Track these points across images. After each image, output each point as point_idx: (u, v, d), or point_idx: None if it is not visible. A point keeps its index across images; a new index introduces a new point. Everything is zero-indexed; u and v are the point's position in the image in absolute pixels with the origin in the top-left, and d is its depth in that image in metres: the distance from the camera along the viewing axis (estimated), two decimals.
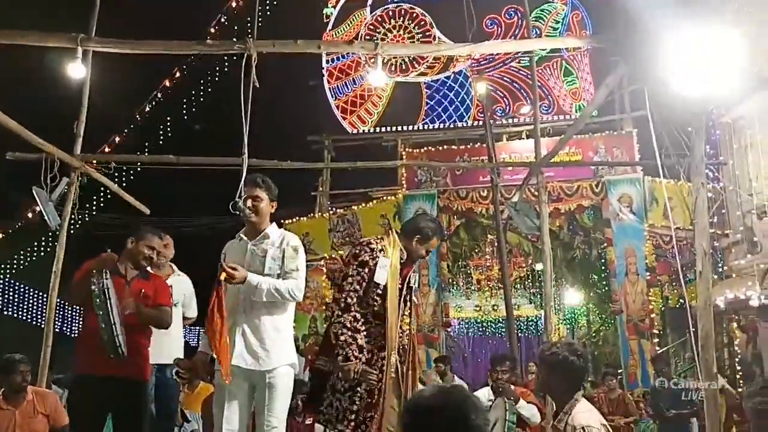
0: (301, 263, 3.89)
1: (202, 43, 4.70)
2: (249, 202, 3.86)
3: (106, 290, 3.74)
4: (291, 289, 3.77)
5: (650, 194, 10.52)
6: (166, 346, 4.76)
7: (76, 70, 4.61)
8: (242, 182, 3.89)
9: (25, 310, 16.78)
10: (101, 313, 3.72)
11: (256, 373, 3.72)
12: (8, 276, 15.80)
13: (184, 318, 5.25)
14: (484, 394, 5.55)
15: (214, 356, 3.90)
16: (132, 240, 4.26)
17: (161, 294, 4.35)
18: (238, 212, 3.77)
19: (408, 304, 4.04)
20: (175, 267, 5.34)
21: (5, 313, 16.36)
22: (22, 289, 16.75)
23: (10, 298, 16.50)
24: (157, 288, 4.36)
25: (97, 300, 3.74)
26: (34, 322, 16.45)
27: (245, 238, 3.93)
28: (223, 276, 3.58)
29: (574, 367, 3.19)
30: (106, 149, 10.09)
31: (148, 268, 4.59)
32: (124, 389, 4.04)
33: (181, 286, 5.24)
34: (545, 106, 12.28)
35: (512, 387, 5.41)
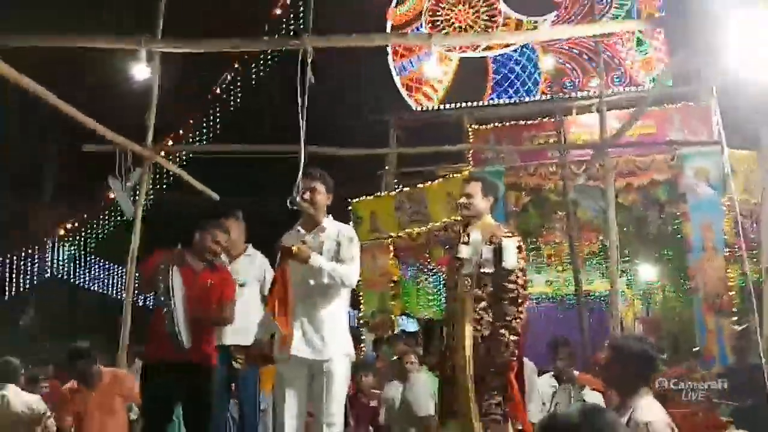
0: (356, 252, 3.99)
1: (258, 40, 4.78)
2: (306, 195, 3.95)
3: (170, 287, 3.92)
4: (346, 274, 3.87)
5: (729, 166, 10.06)
6: (250, 327, 4.94)
7: (141, 72, 4.78)
8: (299, 176, 3.97)
9: (109, 286, 17.63)
10: (165, 307, 3.91)
11: (314, 362, 3.84)
12: (91, 254, 16.63)
13: (263, 296, 5.34)
14: (547, 380, 5.52)
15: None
16: (198, 234, 4.45)
17: (226, 288, 4.53)
18: (295, 206, 3.87)
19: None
20: (249, 246, 5.50)
21: (92, 288, 17.26)
22: (106, 266, 17.57)
23: (95, 273, 17.36)
24: (223, 280, 4.55)
25: (162, 294, 3.93)
26: (119, 297, 17.25)
27: (302, 230, 4.04)
28: (295, 249, 3.65)
29: (639, 359, 3.15)
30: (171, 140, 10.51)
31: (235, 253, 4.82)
32: (190, 375, 4.25)
33: (254, 262, 5.39)
34: (617, 77, 11.87)
35: (576, 373, 5.37)
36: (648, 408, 3.05)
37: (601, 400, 5.22)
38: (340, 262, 3.90)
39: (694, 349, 9.95)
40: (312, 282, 3.84)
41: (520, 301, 3.86)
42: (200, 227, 4.54)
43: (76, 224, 14.31)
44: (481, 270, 3.91)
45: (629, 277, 13.89)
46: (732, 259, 10.04)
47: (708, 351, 9.89)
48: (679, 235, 10.61)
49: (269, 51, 12.01)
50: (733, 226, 10.07)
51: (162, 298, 3.99)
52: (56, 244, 15.29)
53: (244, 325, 4.84)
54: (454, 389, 3.87)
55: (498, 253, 3.90)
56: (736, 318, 9.94)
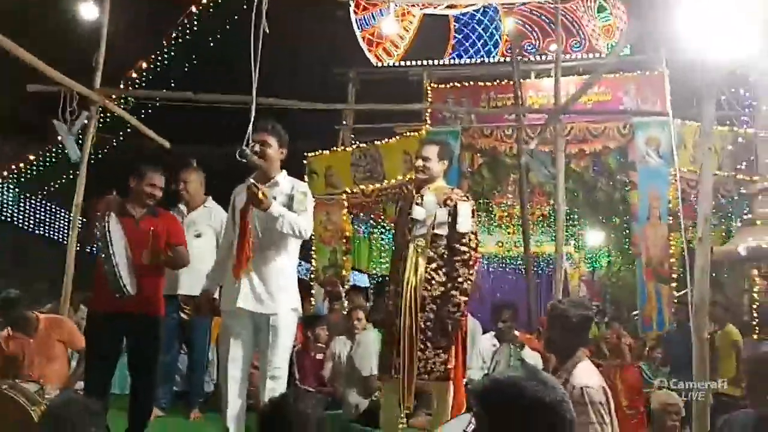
0: (310, 205, 4.00)
1: None
2: (257, 148, 3.90)
3: (107, 233, 3.85)
4: (304, 227, 3.87)
5: (679, 138, 10.27)
6: (200, 278, 4.92)
7: (90, 11, 4.61)
8: (250, 128, 3.91)
9: (56, 230, 17.25)
10: (103, 255, 3.84)
11: (261, 315, 3.86)
12: (40, 197, 16.22)
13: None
14: (489, 339, 5.66)
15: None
16: (133, 179, 4.34)
17: (174, 233, 4.46)
18: (245, 159, 3.81)
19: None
20: (208, 198, 5.47)
21: (37, 232, 16.86)
22: (54, 210, 17.17)
23: (43, 217, 16.95)
24: (168, 226, 4.47)
25: (99, 243, 3.86)
26: (64, 242, 16.91)
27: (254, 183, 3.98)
28: (260, 194, 3.64)
29: (577, 325, 3.23)
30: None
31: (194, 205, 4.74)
32: (137, 325, 4.22)
33: (212, 215, 5.38)
34: (576, 43, 11.93)
35: (516, 333, 5.51)
36: (584, 372, 3.14)
37: (539, 359, 5.39)
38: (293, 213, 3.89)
39: (634, 313, 10.29)
40: (266, 232, 3.82)
41: (471, 263, 3.94)
42: (136, 172, 4.40)
43: (22, 165, 13.87)
44: (435, 231, 3.96)
45: (577, 241, 14.21)
46: (675, 228, 10.32)
47: (647, 316, 10.24)
48: (626, 202, 10.86)
49: None
50: (677, 196, 10.36)
51: (99, 244, 3.90)
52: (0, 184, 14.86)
53: (197, 276, 4.83)
54: (398, 347, 3.94)
55: (452, 215, 3.96)
56: (675, 285, 10.28)
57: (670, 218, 10.29)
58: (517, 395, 1.63)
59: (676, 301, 9.76)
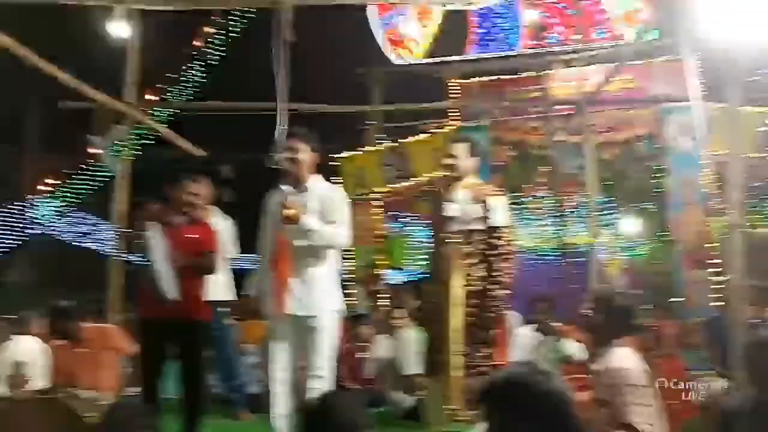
0: (346, 213, 4.04)
1: None
2: (287, 154, 3.96)
3: (148, 242, 3.96)
4: (335, 235, 3.93)
5: (709, 121, 10.11)
6: (212, 285, 4.97)
7: (120, 29, 4.73)
8: (277, 134, 3.99)
9: (99, 242, 17.53)
10: (145, 264, 3.95)
11: (304, 318, 3.93)
12: (80, 211, 16.51)
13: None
14: (529, 332, 5.67)
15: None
16: (172, 188, 4.48)
17: (208, 240, 4.57)
18: (274, 165, 3.88)
19: None
20: (214, 209, 5.56)
21: (78, 245, 17.17)
22: (93, 222, 17.43)
23: (83, 230, 17.24)
24: (204, 233, 4.59)
25: (141, 252, 3.98)
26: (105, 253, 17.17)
27: (286, 189, 4.06)
28: (290, 212, 3.70)
29: (617, 310, 3.25)
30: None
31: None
32: (182, 331, 4.32)
33: (218, 226, 5.43)
34: (599, 31, 11.80)
35: (556, 325, 5.51)
36: (623, 356, 3.16)
37: (579, 349, 5.39)
38: (329, 223, 3.95)
39: (673, 301, 10.17)
40: (301, 243, 3.89)
41: (508, 256, 3.97)
42: (173, 182, 4.55)
43: (60, 180, 14.20)
44: (470, 227, 3.99)
45: (613, 230, 14.07)
46: (711, 212, 10.18)
47: (689, 302, 10.11)
48: (659, 189, 10.73)
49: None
50: (712, 180, 10.20)
51: (141, 255, 4.04)
52: (41, 200, 15.19)
53: (210, 285, 4.95)
54: (444, 345, 3.98)
55: (487, 210, 3.99)
56: (715, 270, 10.14)
57: (706, 203, 10.15)
58: (522, 389, 1.70)
59: (715, 287, 9.63)
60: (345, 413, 2.24)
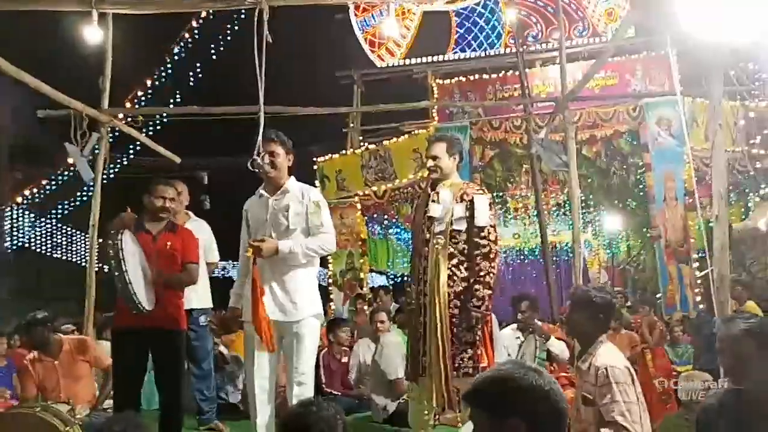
0: (326, 216, 4.00)
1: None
2: (266, 158, 3.92)
3: (119, 251, 3.85)
4: (323, 244, 3.92)
5: (690, 116, 10.16)
6: (192, 293, 4.90)
7: (93, 34, 4.64)
8: (258, 138, 3.93)
9: (72, 252, 17.38)
10: (116, 273, 3.85)
11: (285, 324, 3.87)
12: (55, 221, 16.35)
13: (207, 263, 5.37)
14: (512, 332, 5.63)
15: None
16: (145, 195, 4.37)
17: (189, 250, 4.45)
18: (256, 169, 3.85)
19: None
20: (191, 213, 5.47)
21: (54, 255, 16.99)
22: (68, 232, 17.29)
23: (58, 240, 17.09)
24: (184, 242, 4.46)
25: (112, 262, 3.87)
26: (84, 264, 17.02)
27: (265, 193, 4.02)
28: (249, 253, 3.68)
29: (599, 308, 3.23)
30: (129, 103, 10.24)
31: (177, 221, 4.73)
32: (159, 340, 4.23)
33: (197, 231, 5.32)
34: (579, 29, 11.86)
35: (540, 324, 5.49)
36: (608, 353, 3.15)
37: (564, 348, 5.36)
38: (311, 230, 3.91)
39: (657, 296, 10.21)
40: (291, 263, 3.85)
41: (492, 256, 3.92)
42: (146, 188, 4.43)
43: (36, 190, 14.02)
44: (453, 227, 3.95)
45: (594, 227, 14.13)
46: (692, 208, 10.22)
47: (670, 297, 10.16)
48: (641, 185, 10.78)
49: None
50: (692, 175, 10.24)
51: (112, 263, 3.90)
52: (16, 210, 15.00)
53: (191, 291, 4.85)
54: (427, 347, 3.93)
55: (470, 210, 3.94)
56: (697, 265, 10.19)
57: (687, 198, 10.20)
58: (510, 386, 1.66)
59: (698, 281, 9.68)
60: (326, 420, 2.22)
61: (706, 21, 3.42)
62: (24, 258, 15.84)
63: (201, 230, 5.33)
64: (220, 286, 5.88)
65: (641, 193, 11.00)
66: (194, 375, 5.41)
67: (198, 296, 5.14)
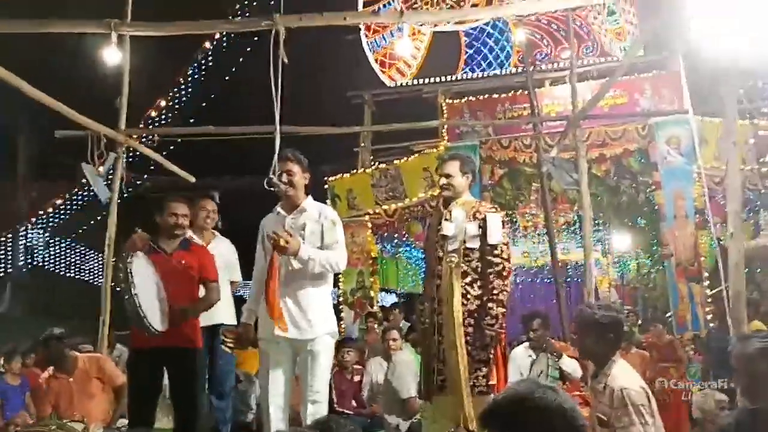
0: (341, 236, 4.04)
1: (229, 21, 4.76)
2: (284, 177, 3.96)
3: (129, 274, 3.86)
4: (338, 261, 3.95)
5: (699, 134, 10.18)
6: (218, 309, 4.88)
7: (112, 56, 4.73)
8: (275, 158, 3.98)
9: (86, 272, 17.47)
10: (126, 297, 3.85)
11: (299, 342, 3.89)
12: (69, 240, 16.46)
13: (231, 282, 5.38)
14: (524, 350, 5.63)
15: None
16: (157, 214, 4.38)
17: (207, 268, 4.44)
18: (273, 188, 3.89)
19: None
20: (216, 232, 5.48)
21: (68, 274, 17.09)
22: (83, 251, 17.41)
23: (73, 260, 17.19)
24: (201, 260, 4.45)
25: (122, 284, 3.87)
26: (97, 283, 17.08)
27: (282, 211, 4.06)
28: (282, 242, 3.68)
29: (607, 327, 3.22)
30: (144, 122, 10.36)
31: (194, 239, 4.76)
32: (175, 359, 4.24)
33: (222, 250, 5.35)
34: (588, 48, 11.93)
35: (552, 342, 5.49)
36: (623, 374, 3.14)
37: (577, 366, 5.36)
38: (326, 247, 3.94)
39: (667, 315, 10.17)
40: (297, 265, 3.87)
41: (505, 274, 3.95)
42: (158, 207, 4.42)
43: (51, 210, 14.14)
44: (467, 246, 3.98)
45: (604, 246, 14.10)
46: (703, 226, 10.22)
47: (681, 316, 10.12)
48: (651, 204, 10.78)
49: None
50: (702, 194, 10.25)
51: (122, 285, 3.91)
52: (31, 229, 15.12)
53: (215, 308, 4.89)
54: (442, 366, 3.94)
55: (483, 228, 3.98)
56: (707, 283, 10.16)
57: (697, 216, 10.20)
58: (528, 405, 1.65)
59: (709, 300, 9.64)
60: None
61: (717, 40, 3.47)
62: (38, 277, 15.95)
63: (227, 249, 5.37)
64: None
65: (651, 212, 10.99)
66: (218, 394, 5.33)
67: (226, 312, 5.14)
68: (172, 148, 8.37)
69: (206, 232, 5.28)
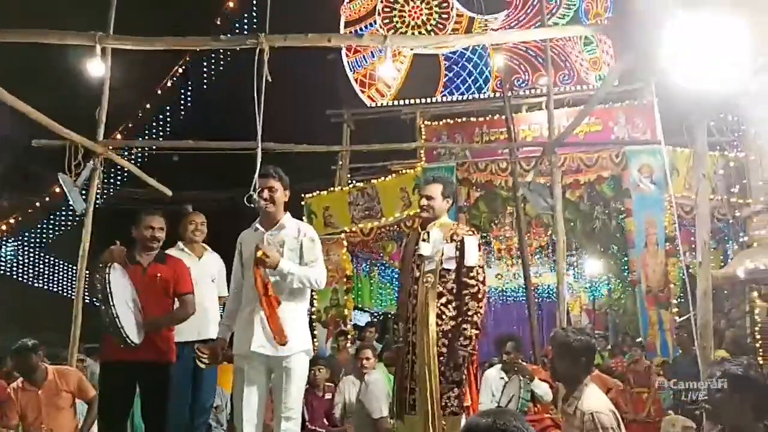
0: (319, 253, 4.05)
1: (215, 38, 4.80)
2: (265, 194, 3.97)
3: (107, 285, 3.86)
4: (317, 278, 3.95)
5: (671, 164, 10.40)
6: (208, 323, 4.94)
7: (96, 68, 4.73)
8: (256, 174, 4.00)
9: (55, 283, 17.19)
10: (104, 308, 3.84)
11: (274, 358, 3.88)
12: (38, 249, 16.20)
13: (219, 297, 5.32)
14: (496, 372, 5.67)
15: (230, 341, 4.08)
16: (133, 227, 4.38)
17: (181, 281, 4.43)
18: (254, 205, 3.90)
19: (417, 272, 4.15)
20: (207, 246, 5.46)
21: (36, 285, 16.80)
22: (52, 262, 17.13)
23: (42, 270, 16.91)
24: (176, 273, 4.45)
25: (99, 295, 3.86)
26: (66, 294, 16.82)
27: (261, 228, 4.06)
28: (260, 253, 3.69)
29: (579, 351, 3.28)
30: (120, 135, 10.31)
31: (185, 251, 4.77)
32: (147, 373, 4.21)
33: (213, 263, 5.35)
34: (564, 76, 12.17)
35: (525, 365, 5.54)
36: (593, 398, 3.20)
37: (548, 389, 5.41)
38: (305, 264, 3.95)
39: (637, 340, 10.30)
40: (276, 280, 3.87)
41: (480, 296, 4.00)
42: (134, 221, 4.41)
43: (20, 219, 13.94)
44: (443, 267, 4.03)
45: (576, 270, 14.27)
46: (673, 254, 10.40)
47: (650, 342, 10.26)
48: (622, 230, 10.96)
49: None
50: (672, 222, 10.45)
51: (99, 296, 3.89)
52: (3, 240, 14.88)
53: (208, 321, 4.90)
54: (414, 385, 3.97)
55: (459, 250, 4.04)
56: (676, 310, 10.32)
57: (667, 244, 10.39)
58: None
59: (677, 326, 9.79)
60: None
61: (688, 74, 3.58)
62: (5, 287, 15.65)
63: (215, 263, 5.35)
64: None
65: (622, 238, 11.17)
66: (199, 409, 5.24)
67: (216, 328, 5.09)
68: (148, 160, 8.37)
69: (196, 245, 5.28)
